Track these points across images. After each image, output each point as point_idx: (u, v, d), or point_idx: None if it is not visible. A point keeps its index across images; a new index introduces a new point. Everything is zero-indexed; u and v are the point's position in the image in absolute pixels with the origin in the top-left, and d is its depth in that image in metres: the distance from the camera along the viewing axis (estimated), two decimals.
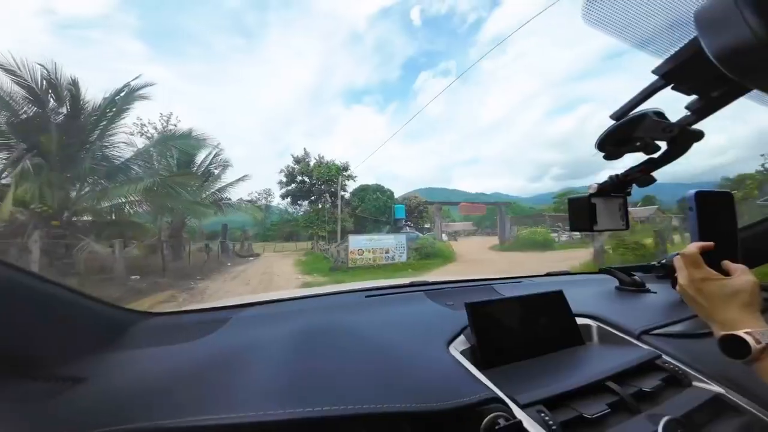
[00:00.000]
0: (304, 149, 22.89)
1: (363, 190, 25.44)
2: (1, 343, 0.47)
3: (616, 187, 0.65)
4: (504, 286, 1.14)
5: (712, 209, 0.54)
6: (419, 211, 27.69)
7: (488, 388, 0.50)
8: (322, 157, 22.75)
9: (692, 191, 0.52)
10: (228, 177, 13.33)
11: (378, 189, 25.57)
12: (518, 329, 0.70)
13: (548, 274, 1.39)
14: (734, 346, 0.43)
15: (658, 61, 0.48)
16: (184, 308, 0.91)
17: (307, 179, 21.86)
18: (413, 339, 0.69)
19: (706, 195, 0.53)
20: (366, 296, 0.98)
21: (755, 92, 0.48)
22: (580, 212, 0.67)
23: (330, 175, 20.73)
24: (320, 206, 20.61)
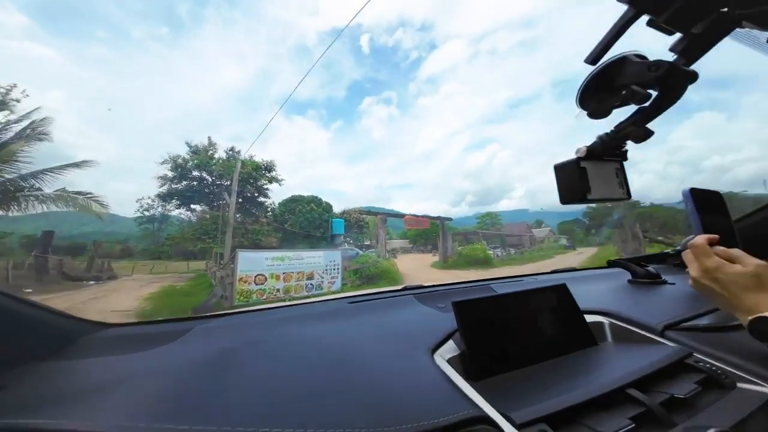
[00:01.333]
0: (209, 138, 17.25)
1: (295, 200, 21.44)
2: None
3: (608, 149, 0.56)
4: (503, 286, 1.04)
5: (707, 205, 0.54)
6: (359, 227, 24.71)
7: (476, 404, 0.43)
8: (236, 150, 17.57)
9: (686, 188, 0.53)
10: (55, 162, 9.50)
11: (313, 200, 21.95)
12: (516, 331, 0.60)
13: (554, 272, 1.34)
14: (765, 329, 0.42)
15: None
16: (145, 319, 0.63)
17: (207, 176, 16.14)
18: (395, 347, 0.60)
19: (699, 192, 0.54)
20: (349, 302, 0.88)
21: (741, 31, 0.44)
22: (569, 180, 0.57)
23: (243, 173, 15.75)
24: (220, 212, 15.14)
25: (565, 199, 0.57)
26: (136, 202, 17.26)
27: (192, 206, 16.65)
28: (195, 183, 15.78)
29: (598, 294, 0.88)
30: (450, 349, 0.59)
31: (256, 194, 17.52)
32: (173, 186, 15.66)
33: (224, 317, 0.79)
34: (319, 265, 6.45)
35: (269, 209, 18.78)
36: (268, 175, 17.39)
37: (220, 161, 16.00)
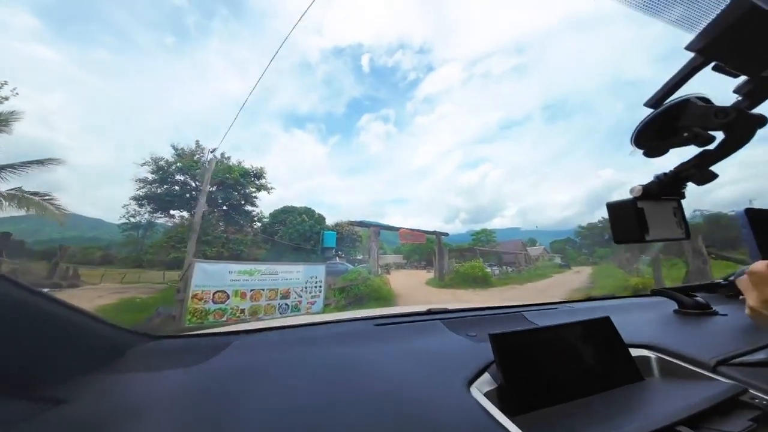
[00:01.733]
0: (197, 142, 16.37)
1: (286, 211, 20.62)
2: None
3: (665, 188, 0.56)
4: (537, 314, 0.98)
5: (765, 227, 0.52)
6: (352, 240, 23.71)
7: None
8: (227, 156, 16.73)
9: (742, 209, 0.51)
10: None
11: (305, 211, 21.15)
12: (557, 365, 0.58)
13: (589, 299, 1.29)
14: None
15: (691, 37, 0.41)
16: (186, 332, 0.85)
17: (191, 181, 15.13)
18: (428, 377, 0.58)
19: (756, 212, 0.53)
20: (375, 324, 0.86)
21: None
22: (624, 220, 0.56)
23: (230, 178, 14.78)
24: (199, 219, 13.99)
25: (620, 238, 0.56)
26: (123, 207, 16.19)
27: (171, 212, 15.46)
28: (177, 188, 14.70)
29: (642, 326, 0.84)
30: (486, 381, 0.56)
31: (242, 202, 16.50)
32: (152, 189, 14.56)
33: (258, 333, 0.79)
34: (297, 281, 5.45)
35: (256, 218, 17.71)
36: (257, 182, 16.43)
37: (206, 165, 15.13)
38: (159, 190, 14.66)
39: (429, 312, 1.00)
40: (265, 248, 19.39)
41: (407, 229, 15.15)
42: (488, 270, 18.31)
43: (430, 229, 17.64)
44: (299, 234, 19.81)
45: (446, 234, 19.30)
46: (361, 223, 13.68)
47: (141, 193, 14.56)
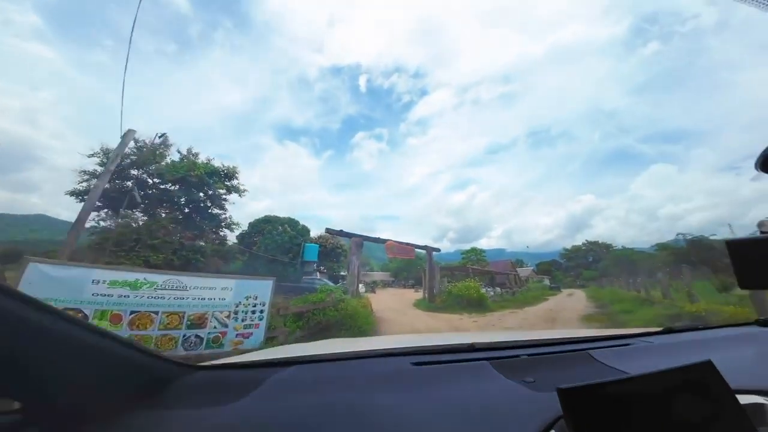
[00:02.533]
0: (165, 135, 14.55)
1: (268, 221, 18.74)
2: (27, 393, 0.43)
3: None
4: (607, 353, 0.85)
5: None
6: (337, 254, 21.84)
7: None
8: (194, 152, 14.92)
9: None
10: None
11: (288, 222, 19.30)
12: (647, 422, 0.50)
13: (668, 331, 1.10)
14: None
15: None
16: (228, 361, 0.84)
17: (148, 178, 13.13)
18: None
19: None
20: (413, 363, 0.79)
21: None
22: (757, 261, 0.46)
23: (192, 175, 12.88)
24: (154, 219, 11.88)
25: (750, 284, 0.47)
26: (95, 211, 14.00)
27: (123, 210, 13.26)
28: (129, 183, 12.67)
29: (750, 364, 0.75)
30: None
31: (208, 204, 14.50)
32: (104, 185, 12.45)
33: (291, 367, 0.75)
34: (220, 302, 3.63)
35: (224, 224, 15.66)
36: (227, 183, 14.56)
37: (169, 162, 13.23)
38: (107, 185, 12.54)
39: (473, 348, 0.89)
40: (242, 259, 17.18)
41: (394, 241, 13.47)
42: (483, 291, 16.61)
43: (422, 244, 15.95)
44: (277, 245, 17.80)
45: (437, 249, 17.63)
46: (341, 233, 11.93)
47: (81, 188, 12.37)
